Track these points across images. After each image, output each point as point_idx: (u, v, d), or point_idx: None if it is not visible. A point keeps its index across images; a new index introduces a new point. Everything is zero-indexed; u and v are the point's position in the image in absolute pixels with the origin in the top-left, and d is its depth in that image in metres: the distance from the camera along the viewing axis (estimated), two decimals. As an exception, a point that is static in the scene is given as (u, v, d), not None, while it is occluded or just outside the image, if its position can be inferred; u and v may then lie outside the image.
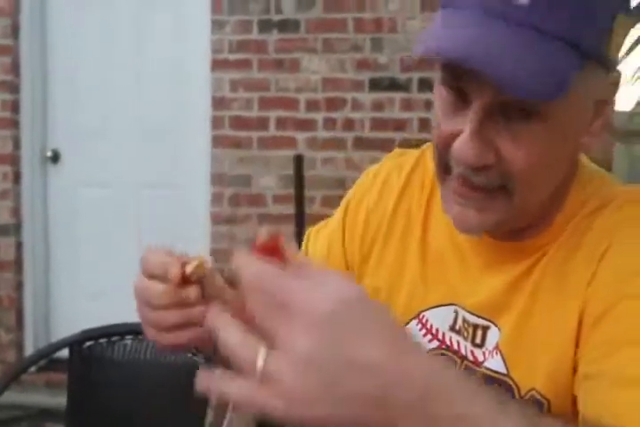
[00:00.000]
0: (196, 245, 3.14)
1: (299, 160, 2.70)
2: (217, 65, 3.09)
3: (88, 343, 1.56)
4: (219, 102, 3.10)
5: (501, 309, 0.74)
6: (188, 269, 0.66)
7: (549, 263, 0.73)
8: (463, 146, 0.66)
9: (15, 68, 3.23)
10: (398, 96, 2.96)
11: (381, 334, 0.49)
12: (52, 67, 3.32)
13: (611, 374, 0.62)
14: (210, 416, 1.40)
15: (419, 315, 0.81)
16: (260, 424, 0.62)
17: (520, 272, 0.74)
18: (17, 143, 3.25)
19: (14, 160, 3.24)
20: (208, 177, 3.13)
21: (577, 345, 0.68)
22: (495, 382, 0.73)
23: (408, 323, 0.81)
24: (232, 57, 3.08)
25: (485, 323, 0.76)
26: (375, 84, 2.96)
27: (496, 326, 0.75)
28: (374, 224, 0.87)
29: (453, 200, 0.71)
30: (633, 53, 2.20)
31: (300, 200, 2.65)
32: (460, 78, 0.66)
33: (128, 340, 1.57)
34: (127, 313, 1.52)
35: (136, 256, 2.80)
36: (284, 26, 3.03)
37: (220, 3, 3.06)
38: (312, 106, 3.02)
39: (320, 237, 0.94)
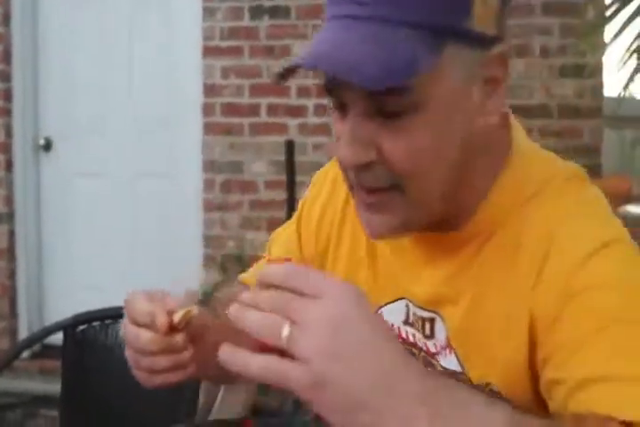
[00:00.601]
0: (189, 232, 3.16)
1: (290, 146, 2.70)
2: (208, 52, 3.09)
3: (81, 327, 1.56)
4: (210, 89, 3.10)
5: (443, 300, 0.75)
6: (176, 318, 0.69)
7: (492, 254, 0.72)
8: (342, 149, 0.68)
9: (7, 56, 3.23)
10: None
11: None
12: (43, 55, 3.31)
13: (577, 378, 0.62)
14: (202, 397, 1.41)
15: (376, 312, 0.83)
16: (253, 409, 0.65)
17: (459, 264, 0.75)
18: (9, 132, 3.25)
19: (6, 148, 3.24)
20: (200, 164, 3.14)
21: (532, 344, 0.68)
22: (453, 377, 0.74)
23: None
24: (223, 44, 3.08)
25: (430, 315, 0.77)
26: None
27: (441, 317, 0.76)
28: (327, 224, 0.89)
29: (360, 210, 0.73)
30: (619, 38, 2.21)
31: (291, 186, 2.66)
32: (336, 89, 0.68)
33: (121, 323, 1.59)
34: (119, 300, 1.53)
35: (128, 244, 2.84)
36: (275, 12, 3.03)
37: (211, -11, 3.07)
38: (303, 92, 3.02)
39: (280, 239, 0.97)
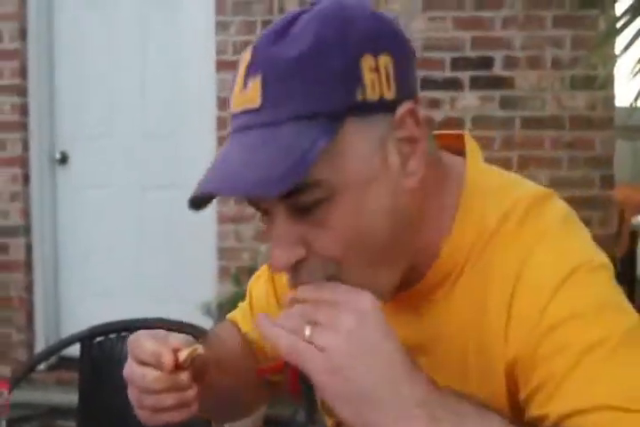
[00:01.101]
0: (203, 244, 3.18)
1: (303, 159, 2.72)
2: (221, 66, 3.12)
3: (98, 339, 1.58)
4: (224, 103, 3.13)
5: (414, 353, 0.71)
6: (181, 356, 0.70)
7: (460, 300, 0.71)
8: (272, 253, 0.66)
9: (23, 71, 3.27)
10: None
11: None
12: (58, 70, 3.35)
13: (560, 413, 0.62)
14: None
15: None
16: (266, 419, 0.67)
17: (426, 315, 0.73)
18: (26, 146, 3.28)
19: (23, 162, 3.28)
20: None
21: (512, 386, 0.67)
22: None
23: None
24: (236, 58, 3.10)
25: None
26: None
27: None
28: None
29: None
30: (630, 49, 2.22)
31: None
32: (254, 201, 0.67)
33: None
34: (134, 311, 1.55)
35: (143, 256, 2.85)
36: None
37: (224, 4, 3.09)
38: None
39: (259, 284, 0.96)
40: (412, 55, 0.68)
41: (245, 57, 0.66)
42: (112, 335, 1.58)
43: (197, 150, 3.19)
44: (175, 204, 3.25)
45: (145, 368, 0.70)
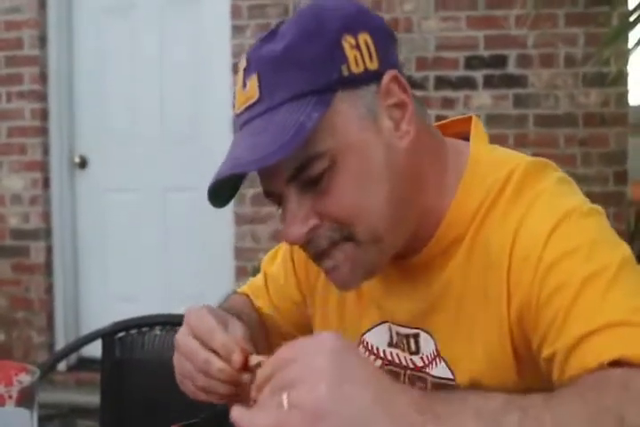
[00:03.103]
0: (220, 245, 3.21)
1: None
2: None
3: (119, 334, 1.60)
4: (240, 105, 3.16)
5: (425, 317, 0.78)
6: (253, 361, 0.71)
7: (464, 261, 0.75)
8: (286, 229, 0.72)
9: (43, 77, 3.32)
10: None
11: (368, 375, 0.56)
12: (78, 76, 3.41)
13: (566, 346, 0.64)
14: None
15: (361, 339, 0.86)
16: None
17: (434, 280, 0.77)
18: (46, 150, 3.34)
19: (44, 167, 3.33)
20: (231, 178, 3.19)
21: (517, 335, 0.71)
22: (444, 388, 0.77)
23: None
24: (252, 61, 3.14)
25: (414, 331, 0.80)
26: (392, 84, 3.00)
27: (425, 332, 0.79)
28: None
29: (326, 273, 0.77)
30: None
31: (320, 198, 2.70)
32: (262, 182, 0.74)
33: (157, 330, 1.63)
34: (154, 311, 1.57)
35: (162, 258, 2.88)
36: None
37: (240, 8, 3.14)
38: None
39: (276, 260, 0.99)
40: (387, 32, 0.75)
41: (242, 63, 0.75)
42: (133, 331, 1.60)
43: (215, 152, 3.20)
44: (193, 206, 3.30)
45: (211, 355, 0.72)
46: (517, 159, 0.77)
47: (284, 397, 0.55)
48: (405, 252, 0.78)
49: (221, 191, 0.74)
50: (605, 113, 2.86)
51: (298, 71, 0.70)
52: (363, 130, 0.71)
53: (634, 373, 0.59)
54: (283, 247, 0.99)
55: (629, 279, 0.66)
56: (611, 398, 0.56)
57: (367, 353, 0.85)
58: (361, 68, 0.71)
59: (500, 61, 2.94)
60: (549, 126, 2.90)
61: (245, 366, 0.72)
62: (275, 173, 0.72)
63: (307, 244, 0.74)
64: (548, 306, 0.67)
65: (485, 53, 2.95)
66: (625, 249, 0.70)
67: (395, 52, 0.76)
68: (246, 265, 3.12)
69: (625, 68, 2.75)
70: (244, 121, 0.73)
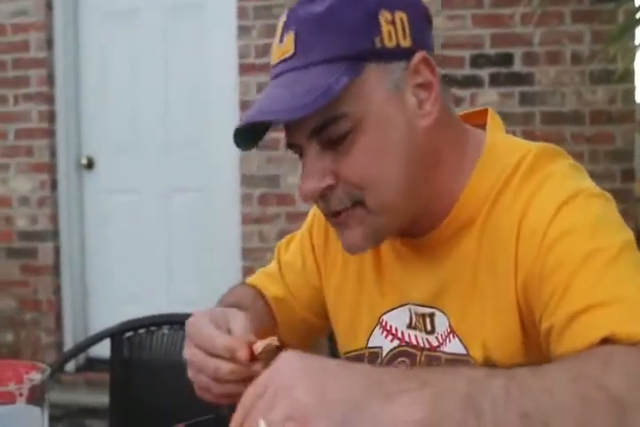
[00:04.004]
0: (227, 245, 3.22)
1: (325, 158, 2.74)
2: (244, 69, 3.16)
3: (128, 334, 1.61)
4: (246, 106, 3.17)
5: (441, 296, 0.81)
6: (257, 350, 0.71)
7: (476, 239, 0.78)
8: (302, 184, 0.76)
9: (50, 79, 3.34)
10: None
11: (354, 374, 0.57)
12: (84, 78, 3.42)
13: (561, 320, 0.67)
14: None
15: (380, 320, 0.88)
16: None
17: (448, 258, 0.80)
18: (53, 152, 3.35)
19: (51, 168, 3.34)
20: (238, 179, 3.20)
21: (523, 313, 0.73)
22: (457, 363, 0.79)
23: (374, 329, 0.89)
24: (258, 61, 3.15)
25: (430, 311, 0.82)
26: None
27: (441, 311, 0.81)
28: (335, 237, 0.93)
29: (337, 233, 0.80)
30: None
31: (327, 197, 2.70)
32: (287, 134, 0.78)
33: (165, 329, 1.63)
34: (160, 312, 1.58)
35: (169, 259, 2.90)
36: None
37: (245, 8, 3.15)
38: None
39: (292, 246, 1.01)
40: (424, 14, 0.79)
41: (282, 19, 0.78)
42: (141, 331, 1.61)
43: (222, 153, 3.23)
44: (199, 207, 3.31)
45: (217, 360, 0.72)
46: (530, 145, 0.80)
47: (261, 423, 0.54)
48: (420, 230, 0.81)
49: (247, 135, 0.79)
50: (612, 110, 2.86)
51: (334, 35, 0.73)
52: (387, 102, 0.74)
53: (619, 349, 0.61)
54: (299, 235, 1.01)
55: (629, 261, 0.68)
56: (594, 368, 0.57)
57: (386, 333, 0.87)
58: (393, 44, 0.74)
59: (507, 59, 2.94)
60: (556, 124, 2.90)
61: (254, 357, 0.72)
62: (299, 127, 0.75)
63: (321, 200, 0.77)
64: (549, 280, 0.69)
65: (491, 51, 2.95)
66: (629, 234, 0.71)
67: (429, 35, 0.79)
68: (254, 265, 3.12)
69: (631, 65, 2.74)
70: (277, 73, 0.77)
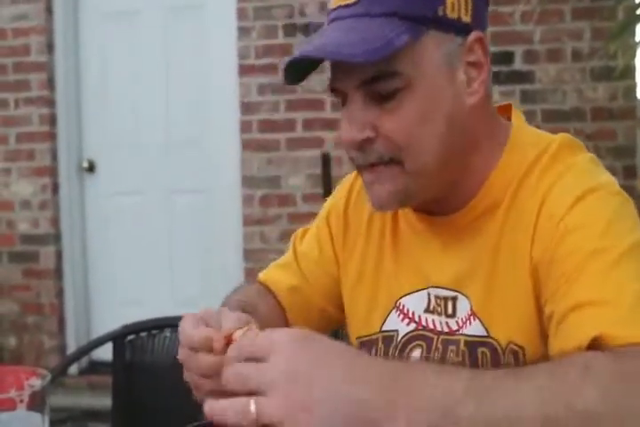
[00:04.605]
0: (229, 247, 3.22)
1: (326, 159, 2.75)
2: (244, 71, 3.16)
3: (130, 337, 1.60)
4: (246, 107, 3.17)
5: (465, 279, 0.82)
6: (236, 336, 0.68)
7: (498, 224, 0.80)
8: (342, 130, 0.78)
9: (51, 83, 3.34)
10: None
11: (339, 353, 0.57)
12: (85, 81, 3.43)
13: (560, 311, 0.69)
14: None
15: (396, 303, 0.88)
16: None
17: (471, 242, 0.81)
18: (54, 155, 3.35)
19: (52, 172, 3.34)
20: (238, 180, 3.20)
21: (537, 292, 0.75)
22: (477, 345, 0.80)
23: (389, 312, 0.89)
24: (258, 62, 3.15)
25: (453, 294, 0.83)
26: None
27: (463, 295, 0.82)
28: (355, 224, 0.95)
29: (367, 188, 0.81)
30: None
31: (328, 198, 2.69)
32: (338, 86, 0.78)
33: (167, 332, 1.63)
34: (163, 315, 1.57)
35: (172, 261, 2.90)
36: (308, 29, 3.10)
37: (245, 9, 3.14)
38: (337, 106, 3.06)
39: (307, 237, 1.01)
40: None
41: None
42: (143, 334, 1.61)
43: (222, 154, 3.23)
44: (201, 208, 3.31)
45: (198, 354, 0.70)
46: (553, 136, 0.83)
47: (252, 406, 0.54)
48: (445, 208, 0.83)
49: (294, 70, 0.79)
50: (613, 107, 2.85)
51: None
52: (439, 72, 0.76)
53: (600, 357, 0.61)
54: (314, 226, 1.01)
55: (634, 262, 0.69)
56: (570, 383, 0.57)
57: (402, 317, 0.87)
58: (455, 16, 0.76)
59: (507, 57, 2.93)
60: (557, 121, 2.89)
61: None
62: (350, 74, 0.76)
63: (358, 152, 0.78)
64: (557, 268, 0.72)
65: (492, 50, 2.91)
66: (638, 233, 0.72)
67: (486, 16, 0.80)
68: (256, 266, 3.12)
69: (632, 62, 2.74)
70: (334, 17, 0.78)
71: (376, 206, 0.81)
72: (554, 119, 2.90)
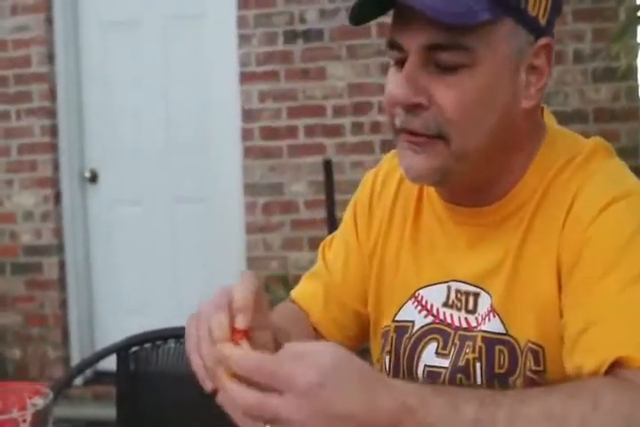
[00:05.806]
0: (232, 254, 3.20)
1: (328, 165, 2.74)
2: (245, 78, 3.16)
3: (134, 349, 1.59)
4: (248, 114, 3.17)
5: (489, 276, 0.81)
6: (227, 352, 0.66)
7: (526, 221, 0.79)
8: (395, 87, 0.75)
9: (52, 94, 3.34)
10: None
11: (359, 386, 0.57)
12: (86, 91, 3.43)
13: (578, 326, 0.69)
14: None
15: (414, 293, 0.88)
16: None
17: (497, 239, 0.81)
18: (56, 166, 3.35)
19: (54, 183, 3.34)
20: (241, 187, 3.19)
21: (559, 292, 0.75)
22: (495, 342, 0.80)
23: (405, 302, 0.88)
24: (259, 69, 3.15)
25: (476, 290, 0.82)
26: (400, 88, 2.99)
27: (486, 291, 0.81)
28: (378, 220, 0.94)
29: (402, 153, 0.79)
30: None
31: (330, 205, 2.69)
32: (399, 32, 0.75)
33: (171, 343, 1.62)
34: (168, 324, 1.57)
35: (175, 270, 2.88)
36: (308, 35, 3.10)
37: (246, 16, 3.14)
38: (339, 111, 3.07)
39: (334, 242, 1.01)
40: (560, 5, 0.80)
41: None
42: (147, 345, 1.60)
43: (224, 162, 3.23)
44: (203, 217, 3.30)
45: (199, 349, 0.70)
46: (586, 139, 0.84)
47: None
48: (477, 201, 0.82)
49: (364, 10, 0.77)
50: (616, 108, 2.84)
51: None
52: (506, 63, 0.75)
53: (611, 385, 0.62)
54: (339, 231, 1.01)
55: None
56: (580, 411, 0.59)
57: (420, 308, 0.87)
58: (534, 13, 0.75)
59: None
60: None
61: (239, 335, 0.69)
62: (419, 32, 0.73)
63: (404, 113, 0.75)
64: (577, 274, 0.72)
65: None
66: None
67: (554, 27, 0.80)
68: (259, 274, 3.10)
69: (634, 63, 2.72)
70: None
71: (411, 176, 0.79)
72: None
